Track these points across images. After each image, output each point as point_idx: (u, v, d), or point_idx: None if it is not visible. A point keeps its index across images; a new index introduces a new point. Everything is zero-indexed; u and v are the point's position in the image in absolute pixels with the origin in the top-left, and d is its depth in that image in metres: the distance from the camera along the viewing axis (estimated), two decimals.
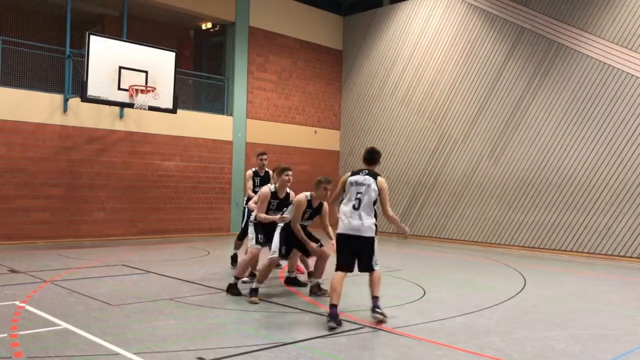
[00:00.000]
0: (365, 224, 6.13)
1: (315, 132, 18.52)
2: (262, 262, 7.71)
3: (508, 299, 7.70)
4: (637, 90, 12.74)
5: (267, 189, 7.68)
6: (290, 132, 17.75)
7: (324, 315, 6.40)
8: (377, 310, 6.10)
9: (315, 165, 18.19)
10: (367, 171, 6.35)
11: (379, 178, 6.30)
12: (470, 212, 15.42)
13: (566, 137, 13.74)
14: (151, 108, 12.75)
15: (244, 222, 9.41)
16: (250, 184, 9.54)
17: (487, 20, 15.51)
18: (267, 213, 7.62)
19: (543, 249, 13.92)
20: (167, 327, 5.80)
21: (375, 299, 6.17)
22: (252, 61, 16.80)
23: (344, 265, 6.22)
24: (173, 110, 13.26)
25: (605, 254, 12.91)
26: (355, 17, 18.99)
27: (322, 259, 7.42)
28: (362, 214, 6.13)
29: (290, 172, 7.74)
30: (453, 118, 16.06)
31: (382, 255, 9.79)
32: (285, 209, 7.54)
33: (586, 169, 13.39)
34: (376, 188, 6.21)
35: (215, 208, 15.83)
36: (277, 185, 7.76)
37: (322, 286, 7.53)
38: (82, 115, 13.33)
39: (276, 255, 7.17)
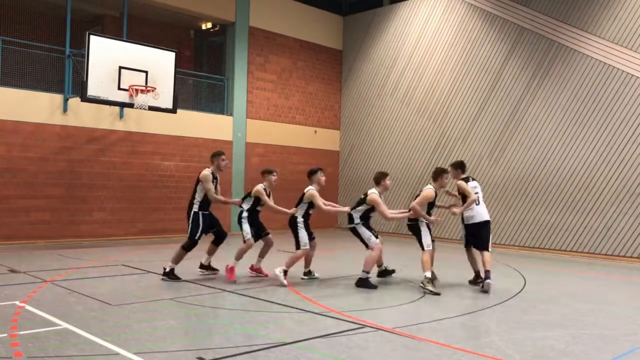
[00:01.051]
0: (486, 211, 8.67)
1: (315, 132, 18.51)
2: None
3: (508, 299, 7.70)
4: (637, 90, 12.74)
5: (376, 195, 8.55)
6: (290, 132, 17.75)
7: (323, 315, 6.40)
8: (489, 279, 8.09)
9: (315, 165, 18.16)
10: (472, 177, 8.93)
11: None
12: None
13: (566, 137, 13.74)
14: (151, 108, 12.74)
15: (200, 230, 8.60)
16: (212, 185, 8.58)
17: (487, 20, 15.51)
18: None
19: (543, 249, 13.92)
20: (167, 327, 5.80)
21: (488, 272, 8.11)
22: (252, 61, 16.80)
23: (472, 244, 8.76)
24: (173, 110, 13.26)
25: (605, 254, 12.91)
26: (355, 17, 18.99)
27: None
28: (483, 205, 8.66)
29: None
30: (453, 118, 16.06)
31: (383, 256, 9.77)
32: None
33: (586, 169, 13.39)
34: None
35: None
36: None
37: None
38: (82, 115, 13.33)
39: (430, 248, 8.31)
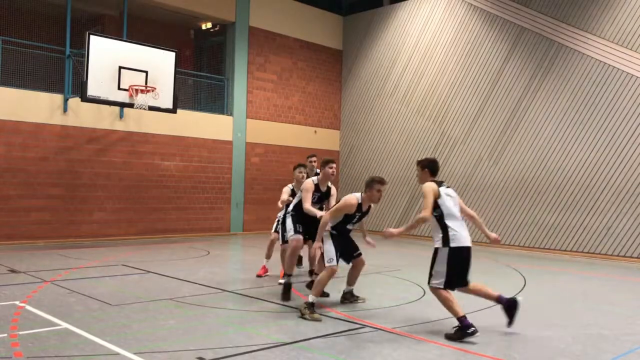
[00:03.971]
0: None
1: (315, 132, 18.51)
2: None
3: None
4: (637, 90, 12.74)
5: (310, 181, 7.47)
6: (290, 132, 17.75)
7: (323, 315, 6.40)
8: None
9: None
10: (445, 183, 6.03)
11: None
12: None
13: (566, 137, 13.74)
14: (151, 108, 12.75)
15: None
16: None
17: (487, 20, 15.50)
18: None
19: (543, 249, 13.92)
20: (167, 327, 5.80)
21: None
22: (252, 61, 16.80)
23: (459, 283, 5.81)
24: (173, 110, 13.26)
25: (605, 254, 12.91)
26: (355, 17, 18.99)
27: (357, 268, 7.11)
28: (464, 224, 5.92)
29: (334, 165, 7.61)
30: (453, 118, 16.06)
31: (383, 256, 9.82)
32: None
33: (586, 169, 13.39)
34: (457, 197, 6.05)
35: (215, 208, 15.83)
36: (319, 178, 7.64)
37: (355, 293, 7.25)
38: (82, 115, 13.33)
39: (334, 263, 6.49)
